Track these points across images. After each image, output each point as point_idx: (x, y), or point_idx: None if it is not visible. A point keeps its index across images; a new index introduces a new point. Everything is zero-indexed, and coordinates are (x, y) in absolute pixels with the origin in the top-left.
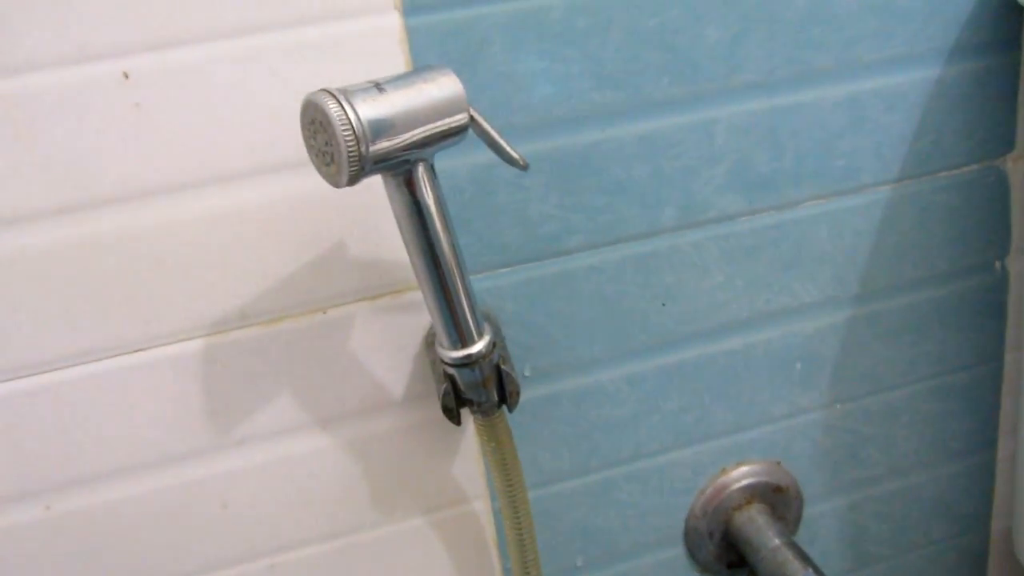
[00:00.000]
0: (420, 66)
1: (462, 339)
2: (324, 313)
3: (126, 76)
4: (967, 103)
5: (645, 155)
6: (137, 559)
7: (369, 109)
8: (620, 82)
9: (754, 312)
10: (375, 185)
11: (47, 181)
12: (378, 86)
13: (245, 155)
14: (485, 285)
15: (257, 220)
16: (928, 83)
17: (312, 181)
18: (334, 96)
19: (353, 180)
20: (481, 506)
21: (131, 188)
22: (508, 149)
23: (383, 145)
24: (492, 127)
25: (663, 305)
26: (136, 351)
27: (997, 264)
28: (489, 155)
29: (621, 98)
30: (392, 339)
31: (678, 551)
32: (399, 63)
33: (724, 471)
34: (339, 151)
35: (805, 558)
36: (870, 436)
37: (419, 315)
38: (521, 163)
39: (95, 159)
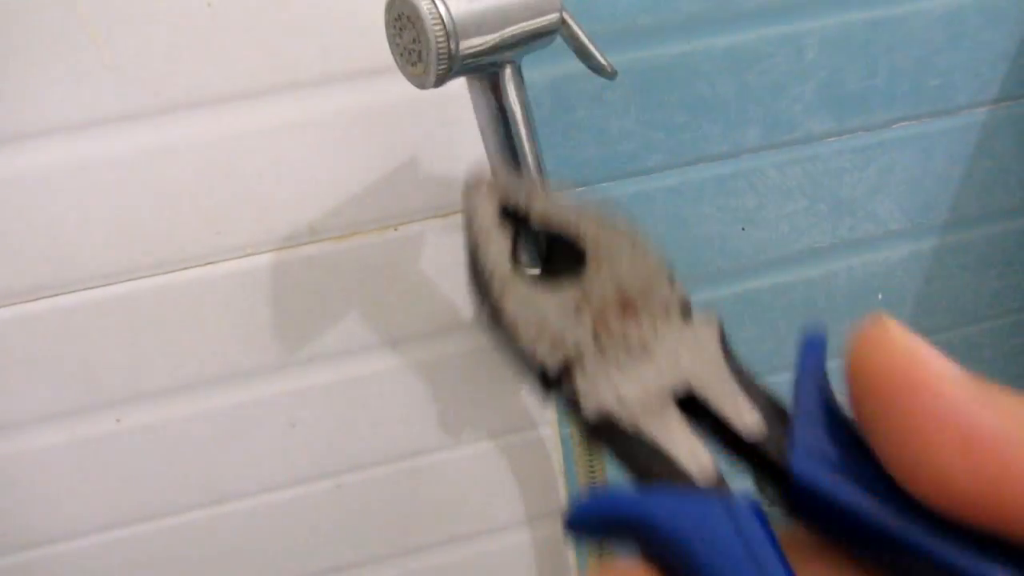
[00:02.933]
0: None
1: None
2: (395, 230)
3: None
4: None
5: (731, 69)
6: (205, 475)
7: (460, 4)
8: None
9: (836, 239)
10: (450, 99)
11: (119, 86)
12: None
13: (319, 62)
14: None
15: (329, 132)
16: None
17: (386, 92)
18: None
19: (440, 80)
20: (548, 432)
21: (203, 95)
22: (597, 55)
23: (473, 43)
24: (582, 31)
25: (743, 230)
26: (206, 264)
27: None
28: (568, 67)
29: (710, 7)
30: (463, 259)
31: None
32: None
33: None
34: (428, 48)
35: None
36: None
37: None
38: (609, 70)
39: (167, 63)
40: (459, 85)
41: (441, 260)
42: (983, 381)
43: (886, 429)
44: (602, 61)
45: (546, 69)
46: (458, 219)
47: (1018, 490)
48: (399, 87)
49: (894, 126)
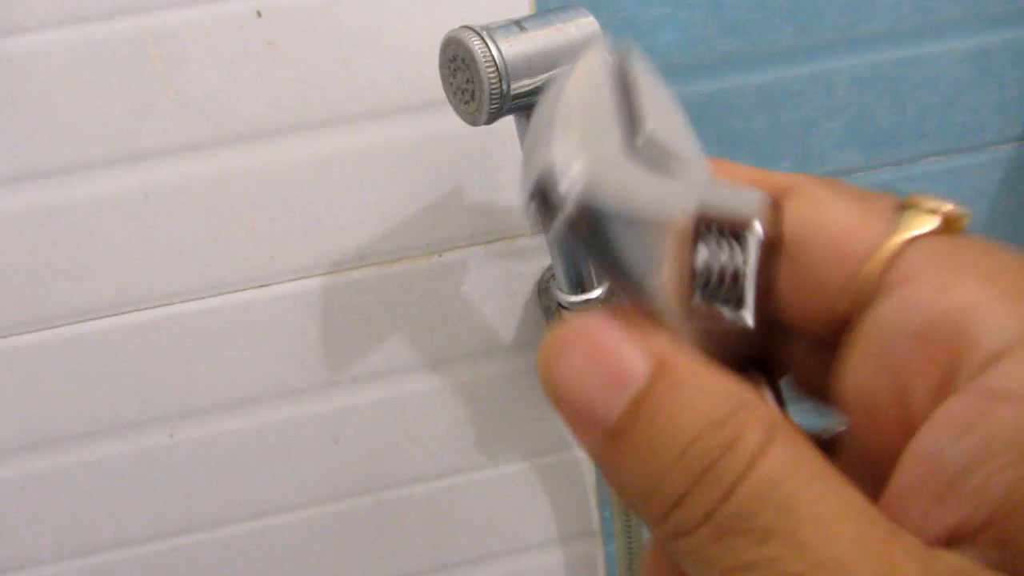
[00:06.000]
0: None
1: (582, 284)
2: (439, 256)
3: (259, 14)
4: None
5: (764, 106)
6: (252, 488)
7: (511, 47)
8: (743, 30)
9: None
10: (493, 133)
11: (181, 117)
12: (518, 24)
13: (370, 96)
14: None
15: (378, 162)
16: None
17: (433, 126)
18: (477, 33)
19: (492, 119)
20: (582, 454)
21: (261, 126)
22: None
23: (523, 83)
24: None
25: None
26: (259, 286)
27: None
28: None
29: (743, 47)
30: (504, 285)
31: None
32: (523, 6)
33: None
34: (481, 88)
35: None
36: None
37: (531, 262)
38: None
39: (227, 96)
40: (504, 120)
41: (483, 285)
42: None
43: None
44: None
45: None
46: (499, 247)
47: None
48: (445, 121)
49: (922, 161)
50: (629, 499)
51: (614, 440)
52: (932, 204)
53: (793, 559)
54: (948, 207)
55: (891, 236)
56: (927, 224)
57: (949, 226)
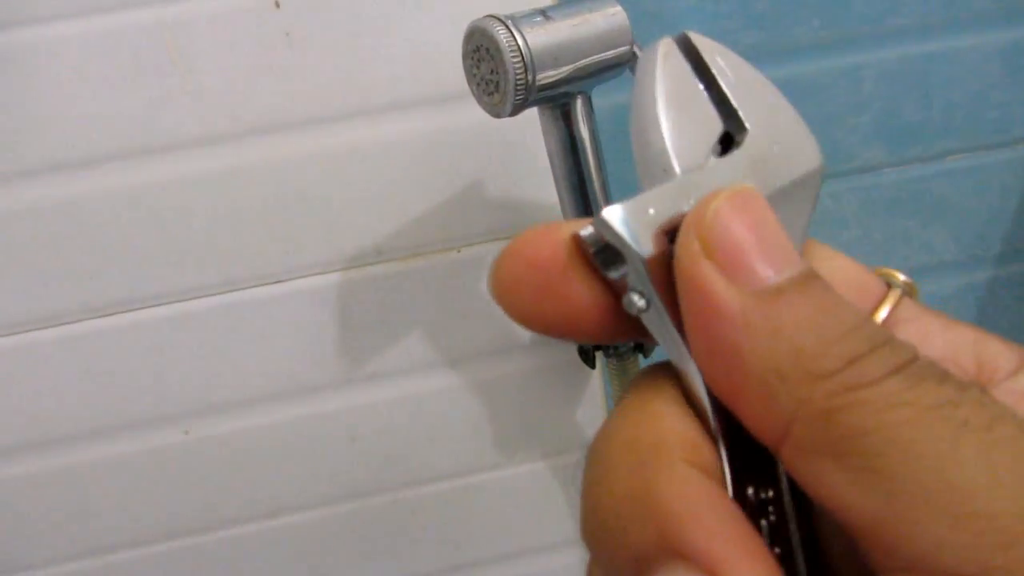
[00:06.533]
0: None
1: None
2: (458, 252)
3: (277, 5)
4: None
5: (790, 100)
6: (267, 486)
7: (536, 37)
8: (770, 23)
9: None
10: (514, 127)
11: (197, 110)
12: (544, 13)
13: (388, 89)
14: None
15: (397, 156)
16: None
17: (452, 119)
18: (502, 22)
19: (516, 110)
20: None
21: (277, 120)
22: None
23: (549, 74)
24: None
25: None
26: (275, 282)
27: None
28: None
29: (769, 40)
30: None
31: None
32: None
33: None
34: (506, 79)
35: None
36: None
37: None
38: None
39: (244, 88)
40: (524, 113)
41: None
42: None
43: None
44: None
45: (608, 97)
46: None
47: None
48: (464, 114)
49: (949, 158)
50: (774, 356)
51: (772, 298)
52: (898, 274)
53: (990, 403)
54: (908, 278)
55: (890, 288)
56: (903, 287)
57: (912, 292)
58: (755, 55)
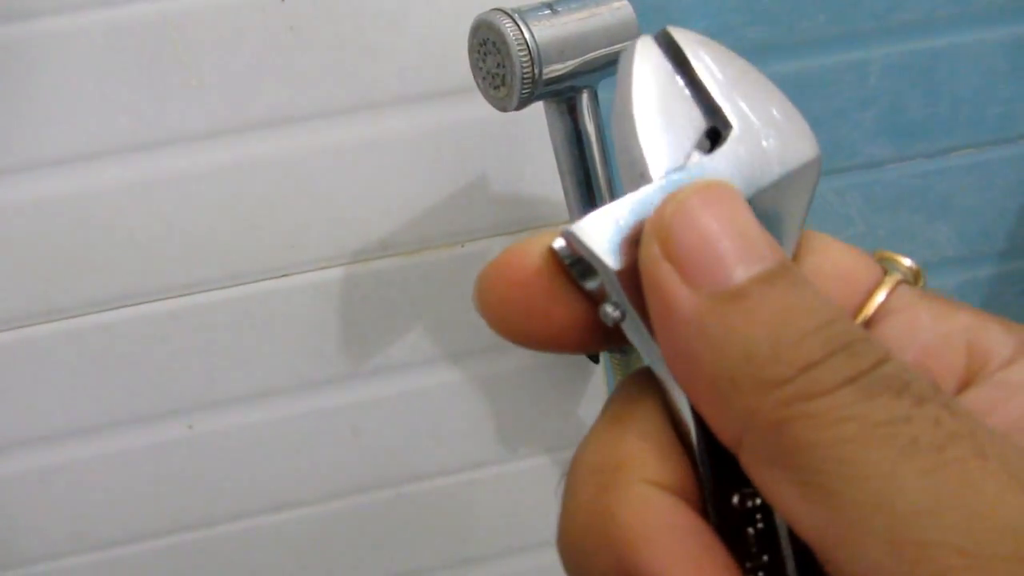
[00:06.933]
0: None
1: None
2: (462, 246)
3: None
4: None
5: (794, 95)
6: (271, 480)
7: (543, 30)
8: (775, 18)
9: None
10: (518, 121)
11: (202, 103)
12: (550, 7)
13: (393, 84)
14: None
15: (401, 150)
16: None
17: (456, 113)
18: (509, 16)
19: (523, 104)
20: None
21: (282, 114)
22: None
23: (555, 68)
24: None
25: None
26: (280, 276)
27: None
28: None
29: (775, 34)
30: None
31: None
32: None
33: None
34: (512, 73)
35: None
36: None
37: None
38: None
39: (249, 82)
40: (529, 107)
41: None
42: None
43: None
44: None
45: (614, 91)
46: (523, 237)
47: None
48: (469, 108)
49: (954, 154)
50: (725, 362)
51: (728, 301)
52: (901, 258)
53: (948, 420)
54: (913, 263)
55: (887, 275)
56: (904, 272)
57: (916, 278)
58: (761, 50)
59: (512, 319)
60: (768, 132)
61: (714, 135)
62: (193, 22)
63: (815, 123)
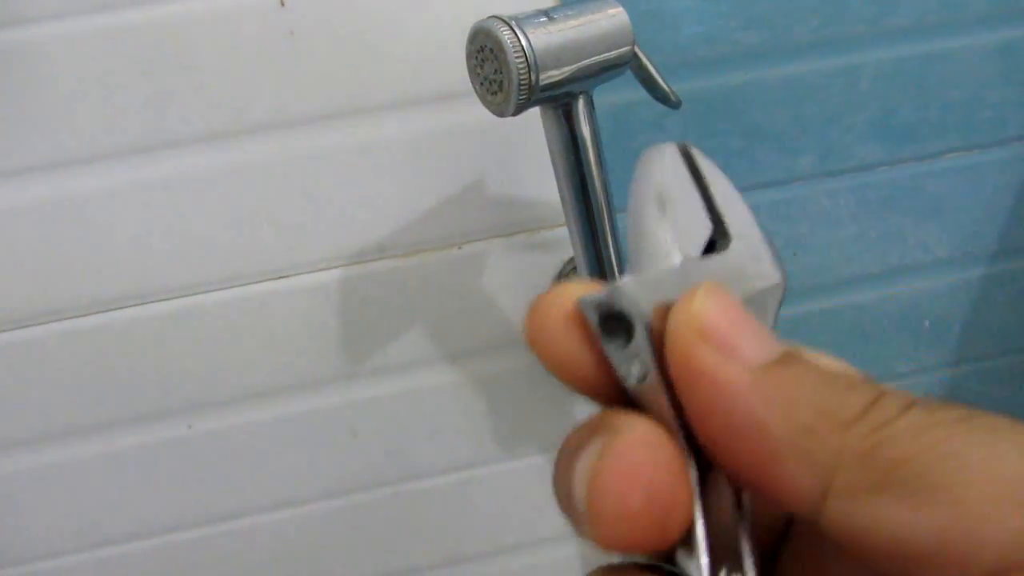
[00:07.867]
0: None
1: (604, 278)
2: (459, 248)
3: (282, 3)
4: None
5: (787, 99)
6: (270, 480)
7: (540, 37)
8: (768, 23)
9: (885, 266)
10: (515, 125)
11: (202, 107)
12: (547, 14)
13: (391, 88)
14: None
15: (399, 154)
16: None
17: (454, 117)
18: (506, 23)
19: (519, 110)
20: None
21: (281, 116)
22: (663, 85)
23: (552, 74)
24: (650, 62)
25: (794, 255)
26: (278, 278)
27: None
28: (629, 95)
29: (768, 40)
30: (524, 277)
31: None
32: None
33: None
34: (509, 79)
35: None
36: (998, 399)
37: (551, 254)
38: (673, 100)
39: (249, 86)
40: (526, 113)
41: (502, 278)
42: None
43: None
44: (667, 91)
45: (608, 97)
46: (520, 239)
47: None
48: (466, 113)
49: (945, 157)
50: (798, 417)
51: (779, 367)
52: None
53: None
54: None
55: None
56: None
57: None
58: (753, 54)
59: (560, 349)
60: (758, 252)
61: (709, 243)
62: (193, 27)
63: (807, 127)
